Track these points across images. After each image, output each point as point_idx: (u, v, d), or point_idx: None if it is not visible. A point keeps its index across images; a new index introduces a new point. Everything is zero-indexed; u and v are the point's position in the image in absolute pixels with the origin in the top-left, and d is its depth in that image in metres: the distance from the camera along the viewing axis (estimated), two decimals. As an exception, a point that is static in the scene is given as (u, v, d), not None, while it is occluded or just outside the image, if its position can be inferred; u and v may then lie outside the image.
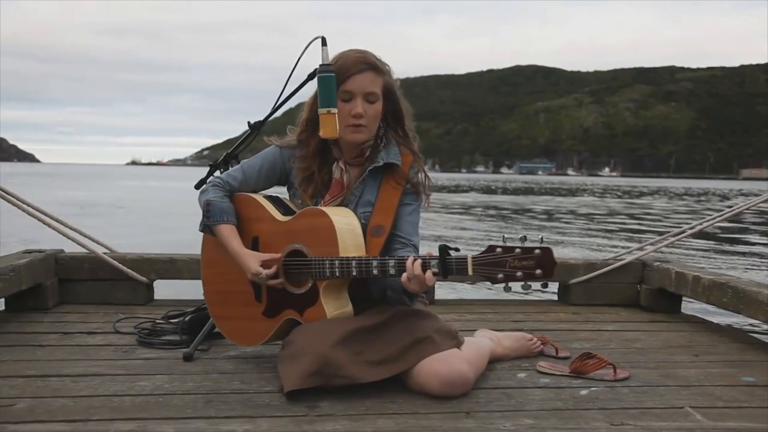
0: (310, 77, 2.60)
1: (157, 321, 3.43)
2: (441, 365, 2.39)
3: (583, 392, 2.52)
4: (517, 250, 2.23)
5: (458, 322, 3.64)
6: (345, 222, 2.52)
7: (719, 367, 2.94)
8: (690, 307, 4.21)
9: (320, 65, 2.51)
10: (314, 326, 2.46)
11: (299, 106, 2.74)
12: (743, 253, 13.38)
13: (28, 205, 3.59)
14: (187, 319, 3.18)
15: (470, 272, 2.28)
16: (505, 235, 2.29)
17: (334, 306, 2.53)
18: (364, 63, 2.56)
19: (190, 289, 3.88)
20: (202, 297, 2.89)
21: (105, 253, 3.89)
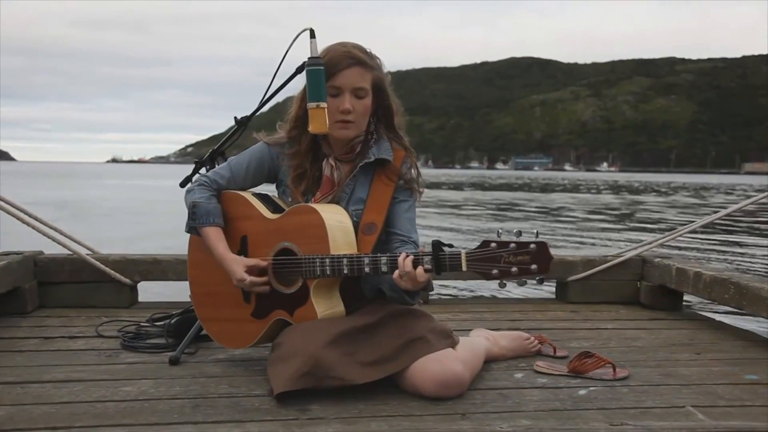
0: (299, 71, 2.61)
1: (142, 324, 3.43)
2: (435, 366, 2.40)
3: (582, 392, 2.54)
4: (512, 245, 2.24)
5: (453, 321, 3.65)
6: (336, 219, 2.53)
7: (721, 365, 2.96)
8: (691, 304, 4.24)
9: (309, 58, 2.51)
10: (305, 327, 2.47)
11: (287, 100, 2.75)
12: (745, 249, 13.43)
13: (6, 202, 3.56)
14: (173, 321, 3.18)
15: (464, 268, 2.29)
16: (500, 230, 2.30)
17: (325, 306, 2.54)
18: (352, 57, 2.56)
19: (176, 291, 3.89)
20: (188, 299, 2.89)
21: (87, 254, 3.89)
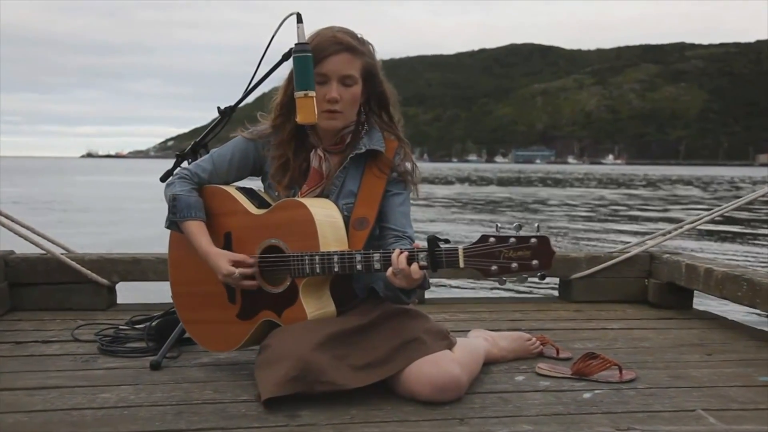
0: (285, 58, 2.62)
1: (121, 327, 3.43)
2: (431, 368, 2.41)
3: (587, 395, 2.55)
4: (512, 240, 2.25)
5: (450, 321, 3.67)
6: (325, 214, 2.54)
7: (734, 366, 2.98)
8: (702, 302, 4.25)
9: (296, 44, 2.51)
10: (294, 328, 2.47)
11: (273, 90, 2.75)
12: (759, 244, 13.48)
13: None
14: (153, 324, 3.19)
15: (461, 264, 2.30)
16: (499, 224, 2.31)
17: (315, 306, 2.54)
18: (339, 43, 2.56)
19: (157, 292, 3.89)
20: (170, 300, 2.89)
21: (62, 254, 3.88)
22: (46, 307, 3.84)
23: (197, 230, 2.62)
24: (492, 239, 2.27)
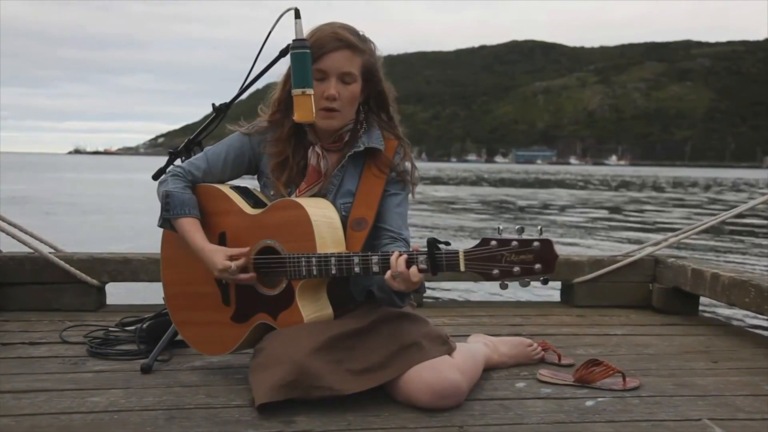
0: (283, 54, 2.62)
1: (111, 329, 3.43)
2: (430, 374, 2.42)
3: (589, 403, 2.56)
4: (514, 243, 2.26)
5: (449, 326, 3.68)
6: (323, 214, 2.54)
7: (741, 374, 2.99)
8: (708, 308, 4.26)
9: (294, 40, 2.52)
10: (289, 332, 2.48)
11: (268, 87, 2.75)
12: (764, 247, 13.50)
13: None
14: (145, 326, 3.19)
15: (462, 268, 2.30)
16: (501, 227, 2.31)
17: (312, 309, 2.55)
18: (340, 39, 2.57)
19: (148, 293, 3.89)
20: (161, 301, 2.90)
21: (50, 253, 3.88)
22: (34, 307, 3.84)
23: (191, 227, 2.62)
24: (494, 242, 2.27)
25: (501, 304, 4.33)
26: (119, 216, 18.73)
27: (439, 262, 2.32)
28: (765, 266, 11.11)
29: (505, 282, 2.29)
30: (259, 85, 2.84)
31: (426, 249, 2.33)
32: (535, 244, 2.24)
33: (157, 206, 2.68)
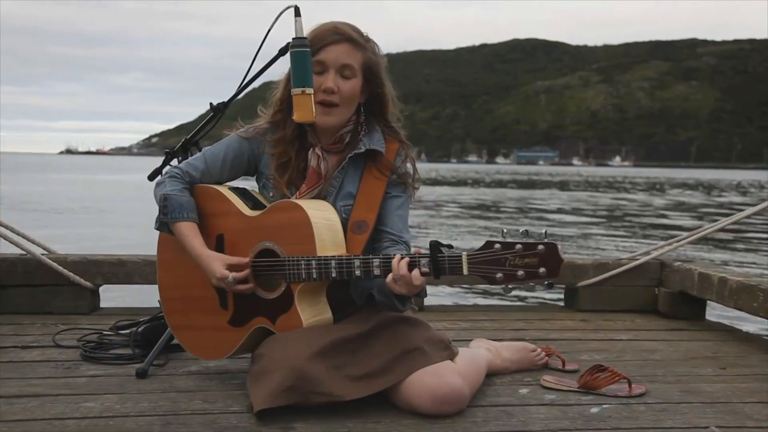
0: (282, 53, 2.62)
1: (105, 332, 3.43)
2: (432, 379, 2.42)
3: (594, 410, 2.55)
4: (518, 246, 2.26)
5: (451, 330, 3.68)
6: (323, 216, 2.55)
7: (749, 381, 2.99)
8: (715, 313, 4.26)
9: (293, 39, 2.52)
10: (288, 336, 2.48)
11: (265, 85, 2.75)
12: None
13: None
14: (140, 329, 3.19)
15: (465, 271, 2.30)
16: (505, 230, 2.31)
17: (311, 312, 2.55)
18: (339, 33, 2.59)
19: (143, 296, 3.89)
20: (156, 304, 2.89)
21: (42, 254, 3.88)
22: (26, 310, 3.83)
23: (189, 232, 2.63)
24: (497, 245, 2.27)
25: (504, 308, 4.34)
26: (113, 217, 18.73)
27: (441, 265, 2.33)
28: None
29: (509, 286, 2.29)
30: (256, 84, 2.84)
31: (428, 252, 2.33)
32: (540, 247, 2.24)
33: (152, 207, 2.68)
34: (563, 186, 51.42)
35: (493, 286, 2.34)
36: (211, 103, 2.85)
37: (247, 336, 2.61)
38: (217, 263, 2.55)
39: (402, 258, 2.36)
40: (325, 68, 2.58)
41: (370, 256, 2.43)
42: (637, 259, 4.32)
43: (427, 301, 4.24)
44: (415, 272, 2.33)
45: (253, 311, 2.59)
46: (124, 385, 2.71)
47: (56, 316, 3.79)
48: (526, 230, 2.28)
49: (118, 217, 18.55)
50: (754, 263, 11.70)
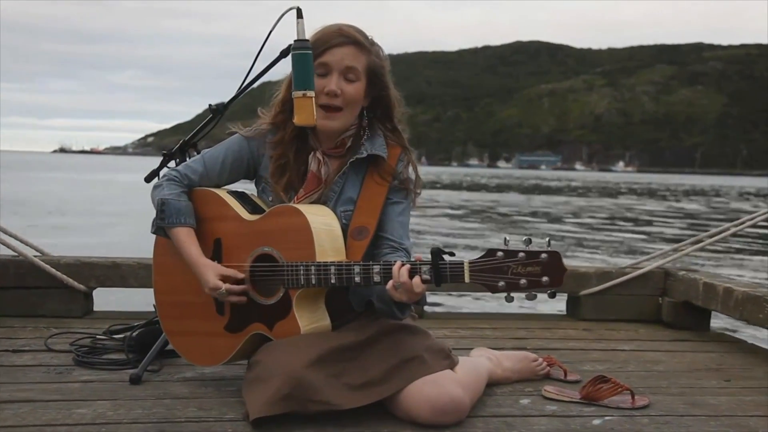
0: (283, 55, 2.63)
1: (98, 337, 3.43)
2: (432, 389, 2.42)
3: (596, 422, 2.56)
4: (521, 255, 2.26)
5: (451, 339, 3.68)
6: (323, 222, 2.55)
7: (754, 394, 2.99)
8: (720, 323, 4.25)
9: (295, 41, 2.52)
10: (286, 343, 2.48)
11: (263, 86, 2.75)
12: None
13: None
14: (134, 334, 3.19)
15: (467, 279, 2.31)
16: (507, 237, 2.31)
17: (309, 319, 2.55)
18: (344, 36, 2.60)
19: (138, 300, 3.89)
20: (151, 308, 2.89)
21: (35, 256, 3.88)
22: (17, 313, 3.83)
23: (186, 238, 2.63)
24: (500, 253, 2.28)
25: (505, 317, 4.33)
26: (107, 218, 18.72)
27: (443, 273, 2.33)
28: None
29: (511, 295, 2.30)
30: (256, 84, 2.84)
31: (430, 259, 2.34)
32: (543, 255, 2.25)
33: (148, 210, 2.68)
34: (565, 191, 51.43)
35: (495, 294, 2.34)
36: (210, 105, 2.85)
37: (243, 342, 2.61)
38: (210, 273, 2.55)
39: (403, 265, 2.36)
40: (328, 70, 2.59)
41: (370, 263, 2.43)
42: (641, 268, 4.32)
43: (428, 308, 4.25)
44: (416, 279, 2.33)
45: (250, 317, 2.59)
46: (117, 391, 2.70)
47: (48, 319, 3.78)
48: (529, 238, 2.28)
49: (112, 218, 18.54)
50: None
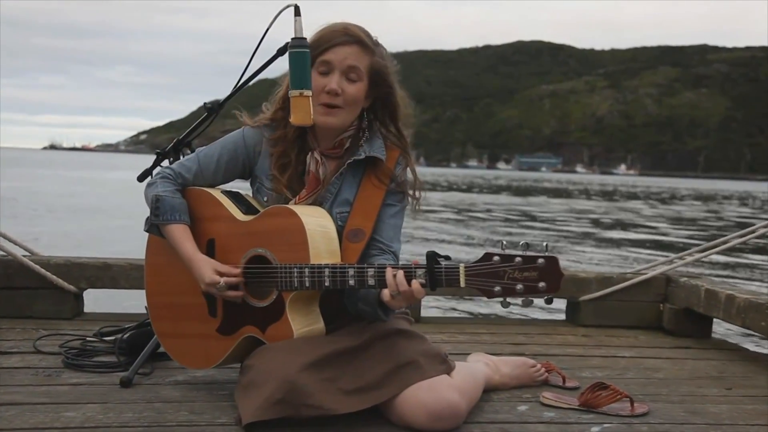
0: (280, 53, 2.63)
1: (88, 339, 3.43)
2: (428, 394, 2.42)
3: (595, 429, 2.56)
4: (518, 259, 2.26)
5: (448, 343, 3.68)
6: (317, 223, 2.55)
7: (756, 403, 3.00)
8: (722, 331, 4.26)
9: (292, 39, 2.52)
10: (279, 347, 2.48)
11: (259, 83, 2.75)
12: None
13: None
14: (125, 336, 3.19)
15: (462, 284, 2.31)
16: (504, 242, 2.32)
17: (303, 322, 2.55)
18: (348, 34, 2.60)
19: (129, 301, 3.88)
20: (143, 310, 2.89)
21: (24, 256, 3.87)
22: (5, 314, 3.82)
23: (181, 235, 2.63)
24: (496, 258, 2.28)
25: (503, 322, 4.34)
26: (99, 218, 18.70)
27: (438, 277, 2.33)
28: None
29: (507, 300, 2.30)
30: (250, 82, 2.84)
31: (425, 263, 2.34)
32: (540, 261, 2.25)
33: (141, 209, 2.68)
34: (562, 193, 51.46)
35: (490, 300, 2.34)
36: (204, 103, 2.85)
37: (235, 345, 2.61)
38: (207, 268, 2.55)
39: (396, 271, 2.36)
40: (330, 68, 2.59)
41: (365, 266, 2.43)
42: (642, 274, 4.33)
43: (424, 312, 4.25)
44: (416, 285, 2.34)
45: (243, 320, 2.59)
46: (107, 395, 2.70)
47: (37, 320, 3.77)
48: (526, 243, 2.29)
49: (104, 217, 18.52)
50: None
